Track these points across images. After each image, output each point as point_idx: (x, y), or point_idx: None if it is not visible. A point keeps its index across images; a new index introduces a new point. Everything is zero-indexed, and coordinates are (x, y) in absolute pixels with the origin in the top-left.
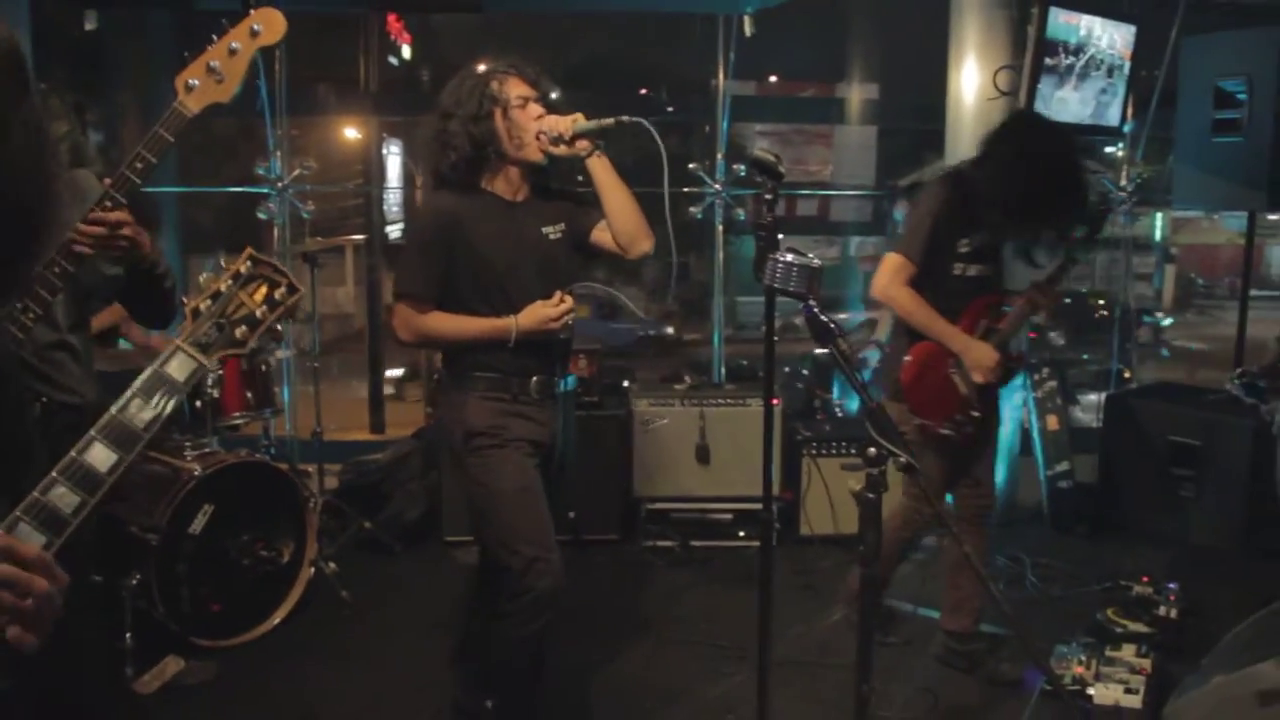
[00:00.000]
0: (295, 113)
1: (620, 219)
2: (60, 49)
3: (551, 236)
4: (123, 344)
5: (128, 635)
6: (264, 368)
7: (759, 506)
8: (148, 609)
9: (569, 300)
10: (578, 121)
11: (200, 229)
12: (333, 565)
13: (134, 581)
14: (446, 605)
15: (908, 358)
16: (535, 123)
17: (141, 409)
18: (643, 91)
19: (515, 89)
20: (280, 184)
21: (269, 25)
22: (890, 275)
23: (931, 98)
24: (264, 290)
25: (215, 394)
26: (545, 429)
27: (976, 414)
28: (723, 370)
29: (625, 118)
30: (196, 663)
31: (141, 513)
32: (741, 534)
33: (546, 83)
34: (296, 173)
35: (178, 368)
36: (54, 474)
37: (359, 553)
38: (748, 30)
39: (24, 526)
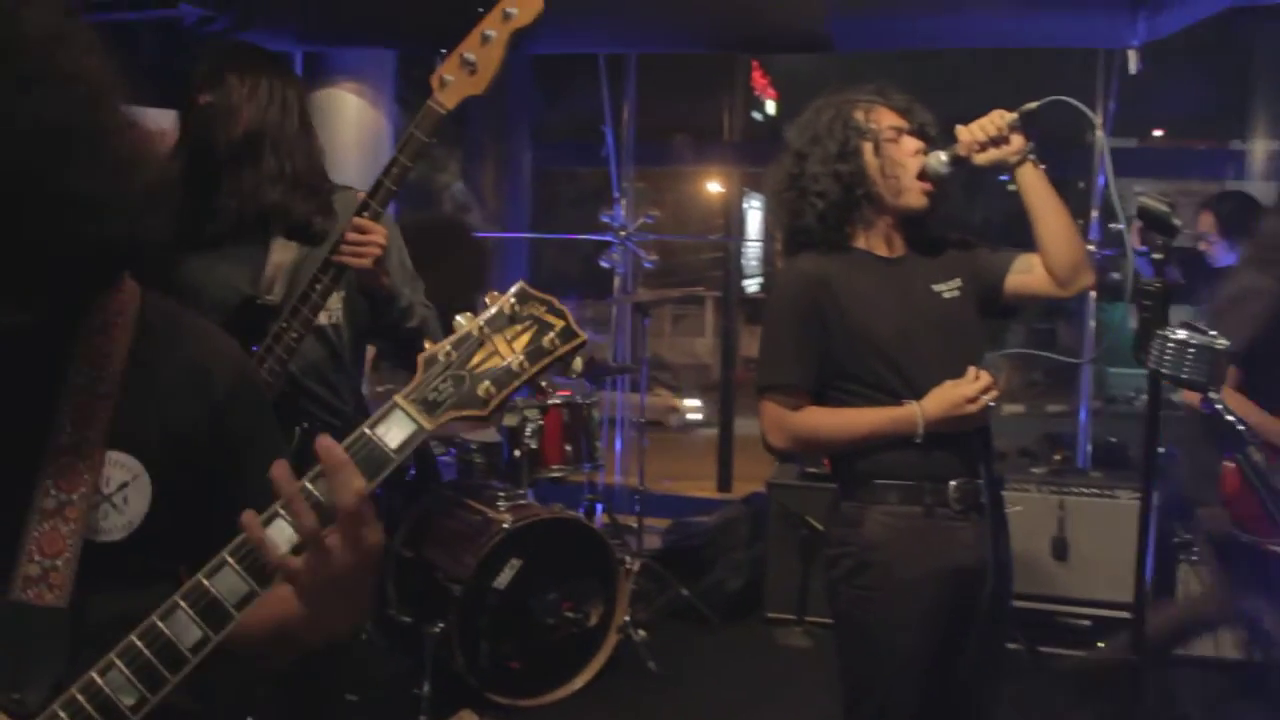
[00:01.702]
0: (650, 162)
1: (1058, 243)
2: (419, 97)
3: (946, 295)
4: None
5: (425, 684)
6: (587, 421)
7: (1126, 614)
8: (447, 659)
9: (985, 375)
10: (1005, 116)
11: (561, 274)
12: (642, 633)
13: (437, 630)
14: (762, 688)
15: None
16: (913, 159)
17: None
18: None
19: (886, 119)
20: (624, 232)
21: (523, 7)
22: None
23: None
24: (528, 335)
25: (534, 445)
26: (971, 551)
27: None
28: (1088, 449)
29: (1047, 98)
30: (491, 719)
31: (450, 560)
32: (1101, 644)
33: (920, 111)
34: (640, 221)
35: (392, 434)
36: (224, 554)
37: (672, 621)
38: (1132, 67)
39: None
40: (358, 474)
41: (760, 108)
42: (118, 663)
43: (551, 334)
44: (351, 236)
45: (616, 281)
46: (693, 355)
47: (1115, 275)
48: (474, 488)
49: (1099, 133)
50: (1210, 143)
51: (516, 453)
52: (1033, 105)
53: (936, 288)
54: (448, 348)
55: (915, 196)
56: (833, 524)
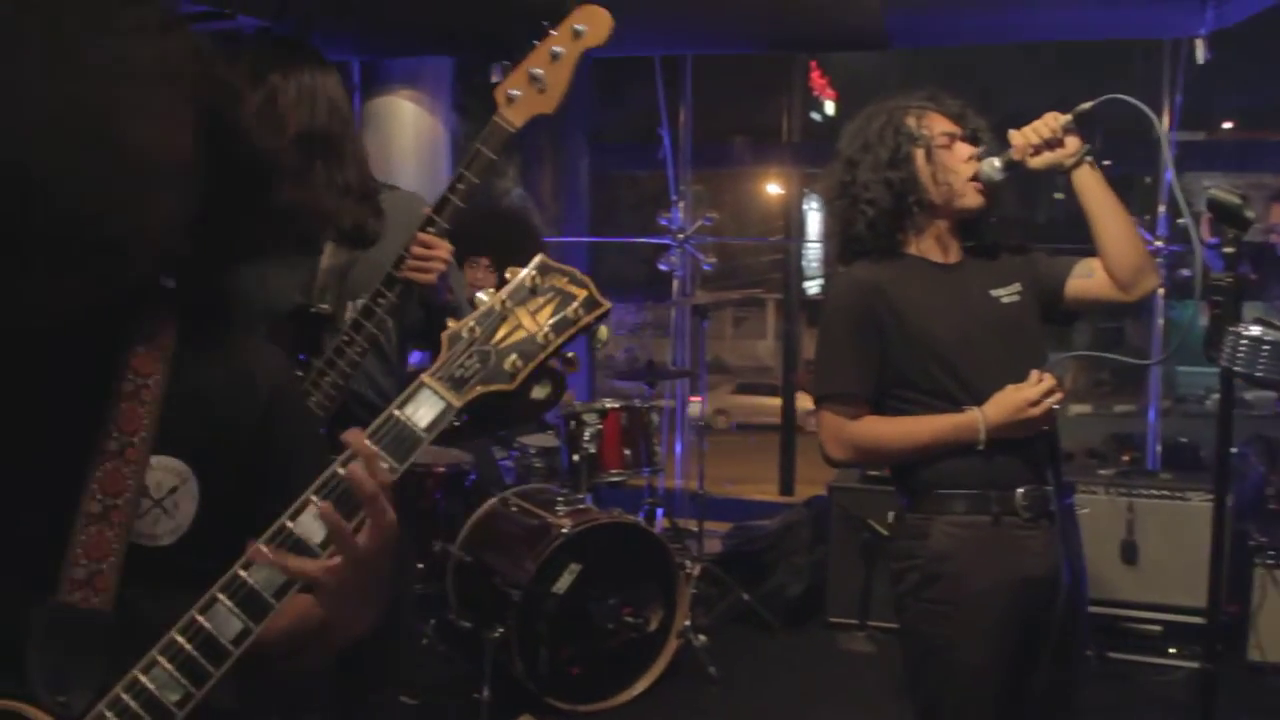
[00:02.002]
0: (708, 165)
1: (1119, 246)
2: (480, 106)
3: (1005, 300)
4: None
5: (485, 689)
6: (646, 425)
7: (1198, 619)
8: (507, 664)
9: (1049, 378)
10: (1059, 118)
11: (620, 278)
12: (703, 638)
13: (496, 634)
14: (823, 694)
15: None
16: (966, 165)
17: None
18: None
19: (938, 125)
20: (681, 235)
21: (594, 24)
22: None
23: None
24: (551, 307)
25: (592, 449)
26: (1042, 560)
27: None
28: (1158, 450)
29: (1100, 97)
30: None
31: (509, 565)
32: (1172, 650)
33: (973, 117)
34: (698, 224)
35: (422, 413)
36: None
37: (733, 626)
38: (1200, 56)
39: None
40: (385, 460)
41: (819, 108)
42: (160, 659)
43: (575, 304)
44: (417, 251)
45: (675, 284)
46: (754, 357)
47: (1184, 271)
48: (533, 492)
49: (1162, 128)
50: None
51: (575, 457)
52: (1087, 105)
53: (995, 293)
54: (471, 324)
55: (971, 197)
56: (898, 536)
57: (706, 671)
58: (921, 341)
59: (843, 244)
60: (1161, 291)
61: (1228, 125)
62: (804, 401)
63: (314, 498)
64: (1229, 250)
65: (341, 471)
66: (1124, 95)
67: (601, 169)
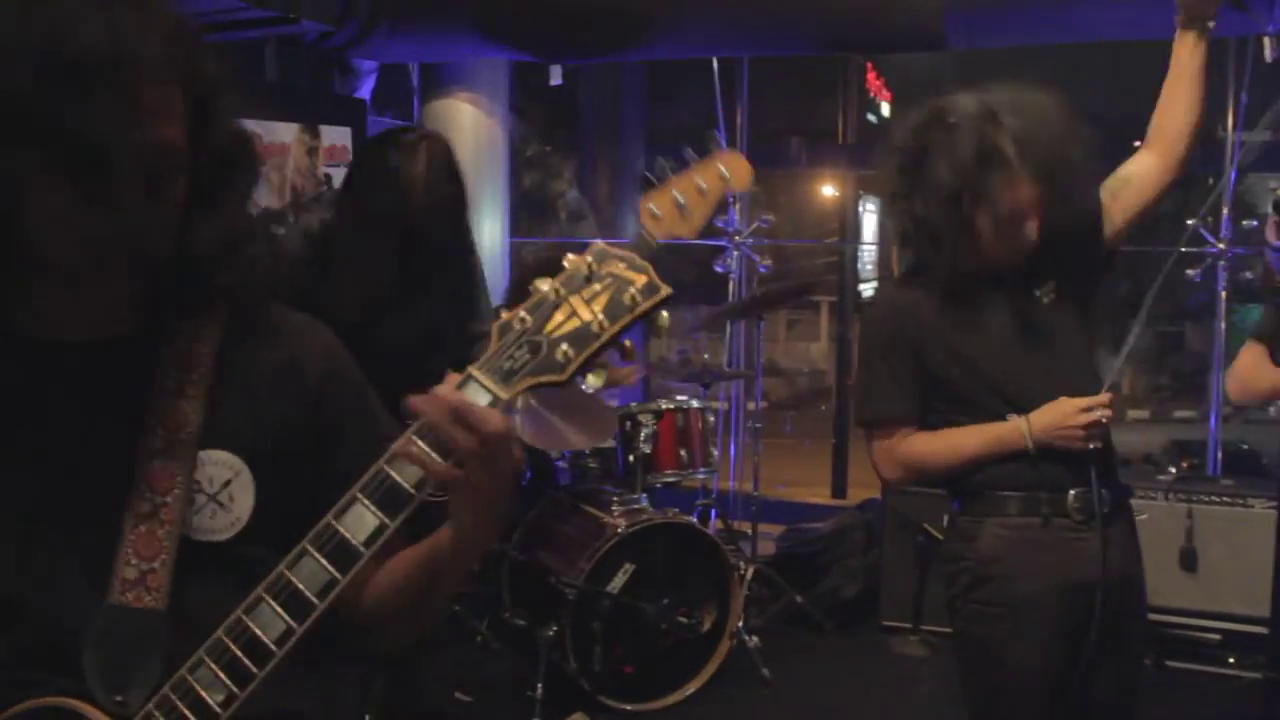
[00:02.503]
0: (763, 165)
1: (1184, 113)
2: (533, 104)
3: (1045, 300)
4: None
5: (539, 686)
6: (701, 426)
7: (1258, 629)
8: (560, 662)
9: (1104, 395)
10: None
11: (676, 280)
12: (755, 639)
13: (550, 633)
14: (875, 697)
15: None
16: (1021, 235)
17: (407, 464)
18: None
19: (1018, 196)
20: (738, 237)
21: (736, 172)
22: None
23: None
24: (607, 295)
25: (647, 450)
26: (1094, 563)
27: None
28: (1218, 456)
29: None
30: None
31: (563, 564)
32: (1232, 660)
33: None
34: (754, 226)
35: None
36: (304, 544)
37: (786, 627)
38: (1268, 54)
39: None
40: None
41: (875, 109)
42: (206, 659)
43: (632, 290)
44: None
45: (731, 286)
46: (807, 360)
47: (1248, 274)
48: (588, 492)
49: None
50: None
51: (630, 458)
52: None
53: (1036, 292)
54: (522, 313)
55: (1020, 249)
56: (950, 539)
57: (759, 673)
58: (962, 359)
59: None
60: (1224, 293)
61: None
62: None
63: (414, 438)
64: None
65: (419, 441)
66: None
67: (656, 171)
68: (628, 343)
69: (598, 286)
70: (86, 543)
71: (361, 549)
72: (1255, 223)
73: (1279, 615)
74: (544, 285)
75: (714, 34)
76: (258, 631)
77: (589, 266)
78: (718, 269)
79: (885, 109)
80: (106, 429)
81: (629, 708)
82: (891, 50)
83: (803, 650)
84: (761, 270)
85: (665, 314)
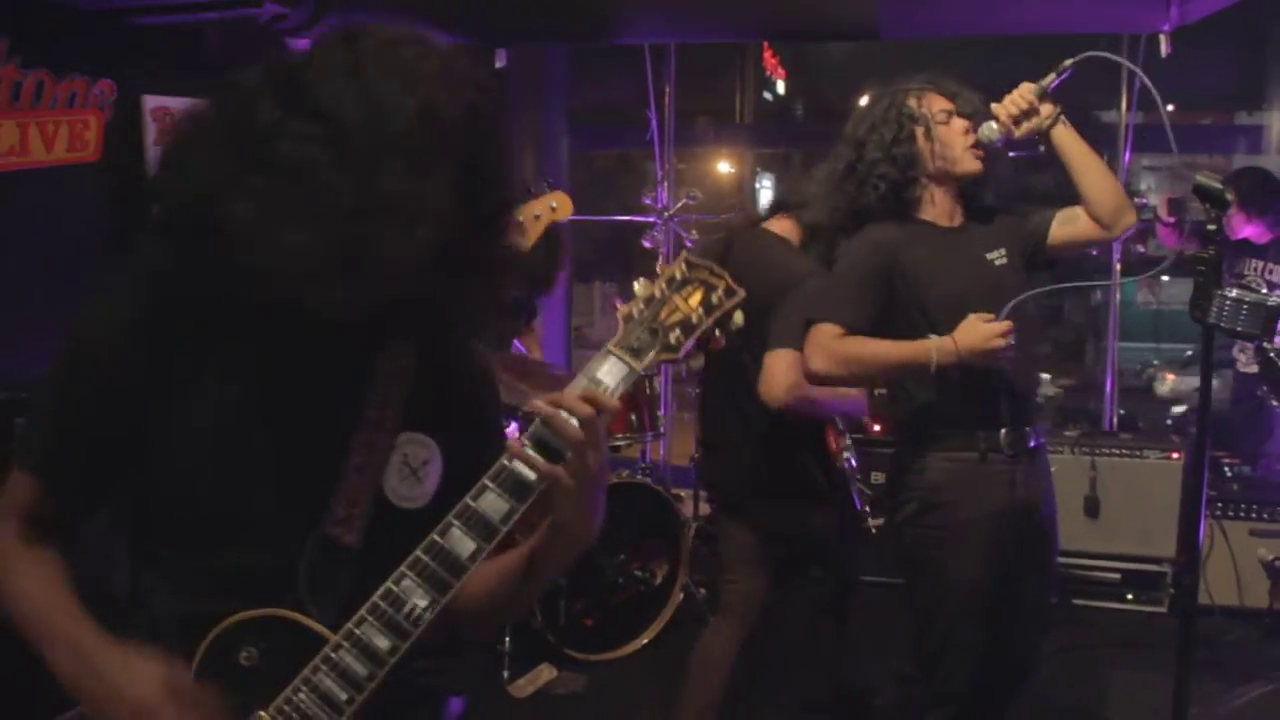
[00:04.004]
0: (678, 144)
1: (1100, 190)
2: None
3: (997, 263)
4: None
5: (507, 639)
6: (649, 392)
7: (1153, 568)
8: (527, 617)
9: (1008, 322)
10: (1031, 88)
11: (583, 258)
12: (704, 591)
13: None
14: (813, 640)
15: None
16: (964, 137)
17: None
18: None
19: (936, 104)
20: (666, 213)
21: (563, 206)
22: None
23: None
24: (700, 294)
25: None
26: (1022, 490)
27: None
28: (1115, 418)
29: (1081, 55)
30: (568, 673)
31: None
32: (1130, 596)
33: (969, 96)
34: (682, 203)
35: (608, 372)
36: (484, 480)
37: None
38: (1163, 50)
39: (455, 531)
40: (580, 402)
41: (771, 87)
42: (408, 573)
43: (718, 291)
44: None
45: (659, 260)
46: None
47: (1139, 248)
48: None
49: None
50: (1220, 117)
51: None
52: (1053, 74)
53: (989, 256)
54: (640, 305)
55: (970, 162)
56: (897, 473)
57: (708, 621)
58: (925, 299)
59: (850, 218)
60: (1119, 266)
61: (1170, 108)
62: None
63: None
64: (1211, 227)
65: (541, 429)
66: (1098, 52)
67: (580, 149)
68: (717, 331)
69: (691, 287)
70: (312, 484)
71: (535, 483)
72: (1144, 200)
73: (1194, 555)
74: (653, 286)
75: (655, 21)
76: (450, 549)
77: (683, 272)
78: (646, 244)
79: (781, 86)
80: (339, 398)
81: (591, 657)
82: (827, 39)
83: None
84: (689, 245)
85: (740, 314)
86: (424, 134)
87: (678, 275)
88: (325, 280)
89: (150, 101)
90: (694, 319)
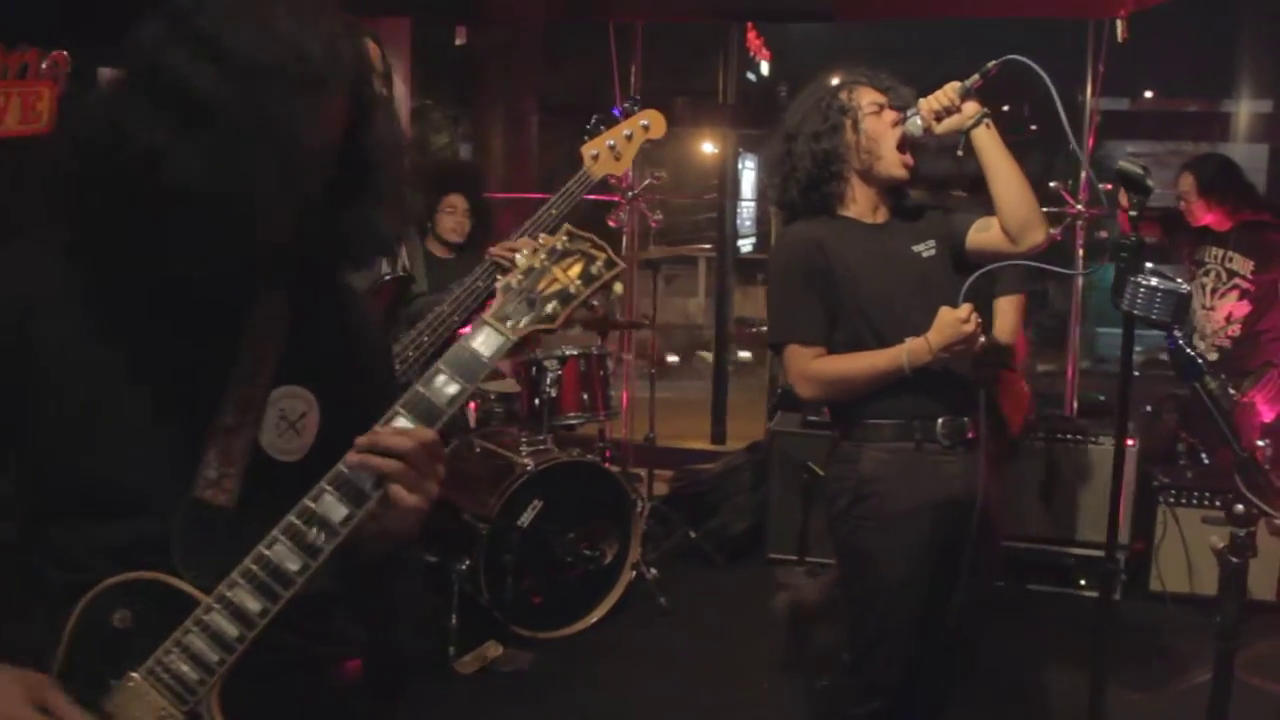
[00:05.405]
0: None
1: (1010, 201)
2: (435, 65)
3: (925, 254)
4: None
5: (453, 616)
6: (602, 372)
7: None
8: (474, 594)
9: (967, 307)
10: (956, 87)
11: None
12: (654, 571)
13: (463, 567)
14: (764, 623)
15: None
16: (892, 131)
17: (446, 384)
18: (1005, 108)
19: (866, 97)
20: (631, 193)
21: (655, 124)
22: None
23: None
24: (580, 265)
25: (553, 393)
26: (959, 482)
27: None
28: (1075, 405)
29: (1002, 58)
30: (514, 650)
31: (476, 502)
32: (1083, 581)
33: (903, 90)
34: (646, 183)
35: (483, 343)
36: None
37: (681, 561)
38: (1120, 35)
39: (328, 497)
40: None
41: (755, 68)
42: (281, 538)
43: (598, 263)
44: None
45: (624, 240)
46: (684, 315)
47: (1102, 234)
48: (497, 433)
49: (1054, 92)
50: (1202, 104)
51: (536, 401)
52: (976, 76)
53: (916, 248)
54: (519, 276)
55: (895, 167)
56: (832, 463)
57: (657, 602)
58: (849, 296)
59: (781, 206)
60: (1082, 252)
61: (1149, 95)
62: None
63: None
64: (1133, 214)
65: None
66: (1019, 56)
67: (549, 130)
68: (596, 302)
69: (571, 259)
70: (183, 446)
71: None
72: (1109, 185)
73: (1114, 541)
74: (529, 257)
75: (620, 1)
76: (324, 513)
77: (564, 243)
78: (611, 224)
79: (765, 68)
80: (208, 354)
81: (538, 635)
82: (782, 19)
83: (696, 581)
84: (653, 225)
85: (620, 284)
86: (311, 65)
87: (558, 246)
88: (232, 215)
89: (107, 73)
90: (572, 289)
